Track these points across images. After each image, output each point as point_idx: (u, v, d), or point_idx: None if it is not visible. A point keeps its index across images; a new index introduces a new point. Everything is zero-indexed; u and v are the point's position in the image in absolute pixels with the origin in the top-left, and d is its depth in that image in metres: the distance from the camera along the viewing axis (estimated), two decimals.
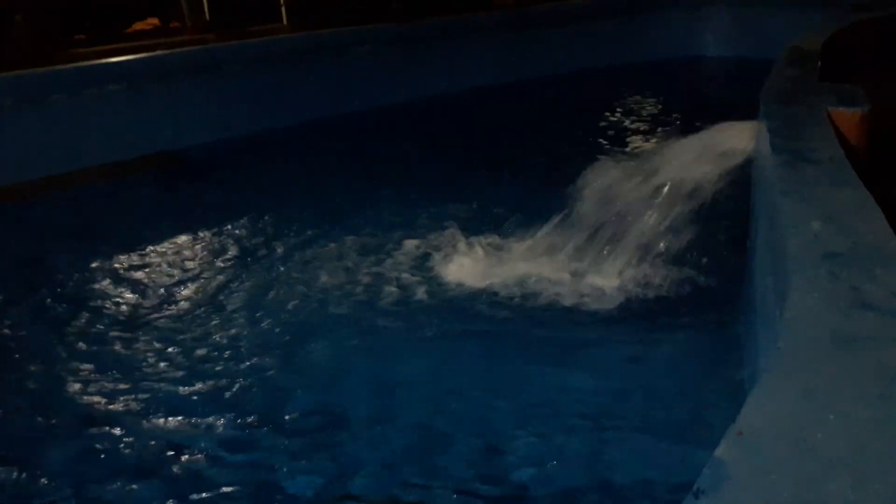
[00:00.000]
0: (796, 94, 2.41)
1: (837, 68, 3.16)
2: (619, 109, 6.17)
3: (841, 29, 4.18)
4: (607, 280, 2.95)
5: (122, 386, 2.47)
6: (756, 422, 0.82)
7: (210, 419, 2.26)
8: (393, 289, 3.04)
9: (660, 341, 2.57)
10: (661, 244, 2.93)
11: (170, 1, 11.53)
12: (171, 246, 3.69)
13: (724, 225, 3.17)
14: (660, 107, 6.31)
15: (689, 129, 2.96)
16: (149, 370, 2.57)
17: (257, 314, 2.92)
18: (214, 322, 2.89)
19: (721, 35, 8.10)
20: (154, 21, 12.60)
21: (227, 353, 2.65)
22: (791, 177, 1.60)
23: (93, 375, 2.55)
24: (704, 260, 3.03)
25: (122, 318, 2.98)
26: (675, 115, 5.83)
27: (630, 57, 7.86)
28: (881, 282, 1.11)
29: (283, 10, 10.39)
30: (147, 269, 3.43)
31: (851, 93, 2.35)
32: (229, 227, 3.87)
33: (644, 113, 6.09)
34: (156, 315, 2.98)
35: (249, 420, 2.25)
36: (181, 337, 2.79)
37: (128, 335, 2.83)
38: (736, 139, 2.57)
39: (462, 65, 7.13)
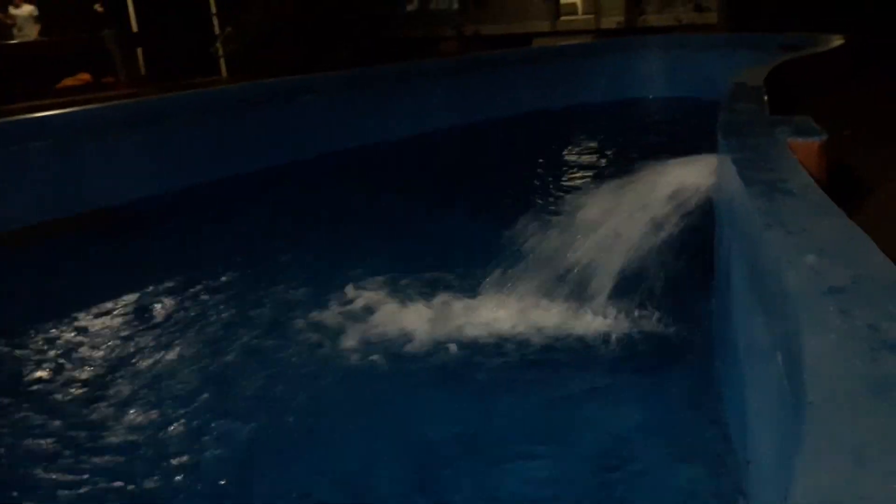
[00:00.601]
0: (753, 127, 2.39)
1: (782, 102, 3.19)
2: (566, 151, 6.21)
3: (777, 65, 4.29)
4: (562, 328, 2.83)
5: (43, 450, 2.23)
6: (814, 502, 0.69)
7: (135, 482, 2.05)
8: (335, 346, 2.85)
9: (621, 390, 2.45)
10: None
11: (102, 55, 11.26)
12: (106, 306, 3.42)
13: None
14: (605, 147, 6.38)
15: (644, 164, 2.89)
16: (72, 434, 2.34)
17: (193, 374, 2.70)
18: (151, 381, 2.66)
19: (659, 77, 8.34)
20: (86, 77, 12.27)
21: (159, 415, 2.42)
22: (771, 209, 1.52)
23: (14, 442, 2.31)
24: (664, 299, 2.95)
25: (50, 380, 2.72)
26: (625, 153, 5.88)
27: (571, 100, 8.02)
28: None
29: (222, 61, 10.28)
30: (78, 331, 3.17)
31: (806, 123, 2.33)
32: (170, 284, 3.63)
33: (591, 152, 6.15)
34: (86, 377, 2.74)
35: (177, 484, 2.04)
36: (112, 397, 2.56)
37: (56, 397, 2.59)
38: (694, 174, 2.53)
39: (407, 110, 7.10)
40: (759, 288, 1.49)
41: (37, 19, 12.32)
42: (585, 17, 13.22)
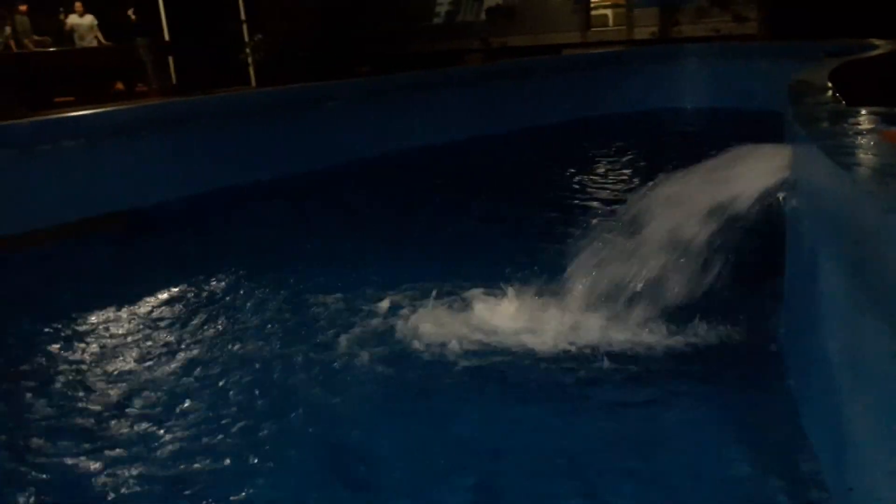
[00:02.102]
0: (833, 116, 2.16)
1: (854, 100, 2.96)
2: (609, 157, 5.99)
3: (836, 67, 4.04)
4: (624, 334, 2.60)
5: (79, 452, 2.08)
6: None
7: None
8: (366, 349, 2.65)
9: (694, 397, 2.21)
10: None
11: (136, 65, 11.32)
12: (129, 305, 3.30)
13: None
14: (648, 152, 6.15)
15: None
16: (104, 434, 2.18)
17: (221, 379, 2.52)
18: (176, 381, 2.49)
19: (696, 87, 8.08)
20: (119, 85, 12.38)
21: (186, 420, 2.24)
22: (886, 192, 1.31)
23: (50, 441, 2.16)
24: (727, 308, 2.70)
25: (80, 379, 2.58)
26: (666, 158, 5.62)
27: (608, 109, 7.81)
28: None
29: (251, 71, 10.24)
30: (102, 330, 3.04)
31: (892, 112, 2.11)
32: (190, 285, 3.49)
33: (636, 158, 5.92)
34: (115, 376, 2.59)
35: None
36: (138, 399, 2.40)
37: (85, 398, 2.43)
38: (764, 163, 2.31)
39: (436, 118, 6.96)
40: (874, 284, 1.27)
41: (97, 28, 12.57)
42: (617, 27, 13.04)
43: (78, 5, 12.41)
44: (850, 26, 7.03)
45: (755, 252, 2.79)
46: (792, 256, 2.27)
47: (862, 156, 1.64)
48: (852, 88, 3.44)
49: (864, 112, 2.19)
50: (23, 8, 12.04)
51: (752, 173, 2.34)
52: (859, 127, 1.95)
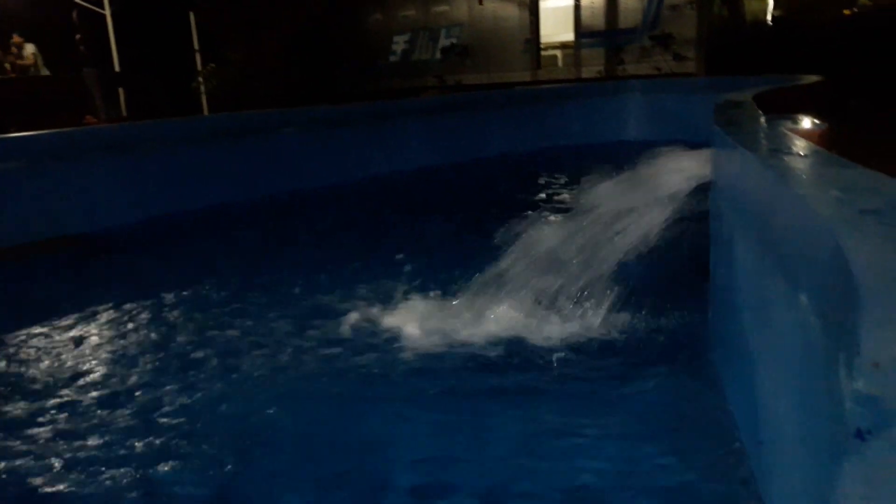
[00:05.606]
0: (751, 121, 2.35)
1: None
2: (548, 181, 6.22)
3: (760, 92, 4.33)
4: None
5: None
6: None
7: None
8: (329, 355, 2.70)
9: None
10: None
11: (85, 96, 11.24)
12: (74, 327, 3.25)
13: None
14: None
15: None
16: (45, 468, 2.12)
17: (177, 397, 2.51)
18: (121, 408, 2.46)
19: (638, 121, 8.46)
20: (66, 117, 12.24)
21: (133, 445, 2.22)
22: (783, 165, 1.46)
23: None
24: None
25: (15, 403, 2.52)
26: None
27: (552, 141, 8.11)
28: None
29: (204, 99, 10.27)
30: (48, 350, 2.98)
31: (805, 118, 2.31)
32: (138, 310, 3.43)
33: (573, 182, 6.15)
34: (55, 401, 2.53)
35: None
36: (82, 426, 2.35)
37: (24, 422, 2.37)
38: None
39: (392, 148, 7.11)
40: (774, 245, 1.41)
41: (38, 57, 12.52)
42: (566, 67, 13.55)
43: (15, 37, 12.35)
44: (780, 64, 7.52)
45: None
46: (717, 243, 2.42)
47: (769, 143, 1.81)
48: (773, 107, 3.70)
49: (780, 117, 2.39)
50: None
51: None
52: (772, 127, 2.13)
